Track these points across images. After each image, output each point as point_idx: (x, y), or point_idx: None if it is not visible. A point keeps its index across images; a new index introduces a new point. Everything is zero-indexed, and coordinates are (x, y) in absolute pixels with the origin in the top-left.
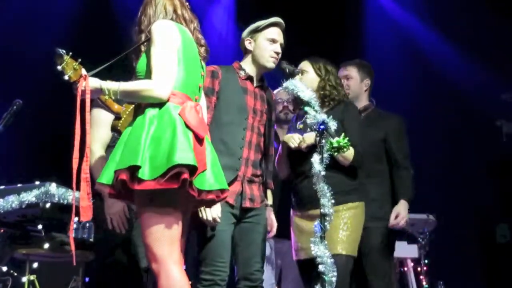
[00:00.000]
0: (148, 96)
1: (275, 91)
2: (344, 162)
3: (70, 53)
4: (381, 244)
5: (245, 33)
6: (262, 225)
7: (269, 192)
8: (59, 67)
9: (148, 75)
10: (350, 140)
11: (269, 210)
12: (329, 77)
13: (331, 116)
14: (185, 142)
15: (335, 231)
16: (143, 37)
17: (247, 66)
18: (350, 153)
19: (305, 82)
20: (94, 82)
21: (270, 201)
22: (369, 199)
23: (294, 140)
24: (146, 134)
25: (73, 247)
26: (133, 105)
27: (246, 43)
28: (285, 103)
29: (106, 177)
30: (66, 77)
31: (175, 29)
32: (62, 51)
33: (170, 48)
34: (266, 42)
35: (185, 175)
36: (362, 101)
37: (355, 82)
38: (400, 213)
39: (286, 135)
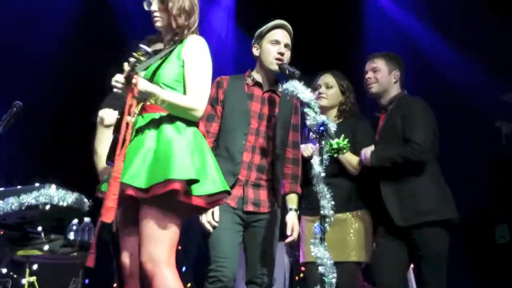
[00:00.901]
0: (189, 114)
1: None
2: (352, 171)
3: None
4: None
5: (253, 41)
6: (271, 230)
7: (294, 196)
8: (132, 62)
9: (176, 84)
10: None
11: (291, 214)
12: (350, 94)
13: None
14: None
15: (345, 237)
16: (175, 37)
17: (256, 72)
18: (355, 160)
19: (329, 96)
20: (144, 85)
21: (294, 204)
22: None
23: (307, 149)
24: (191, 151)
25: (93, 249)
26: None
27: (254, 50)
28: None
29: (140, 181)
30: (131, 74)
31: None
32: (143, 49)
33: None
34: (269, 45)
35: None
36: (392, 94)
37: (384, 74)
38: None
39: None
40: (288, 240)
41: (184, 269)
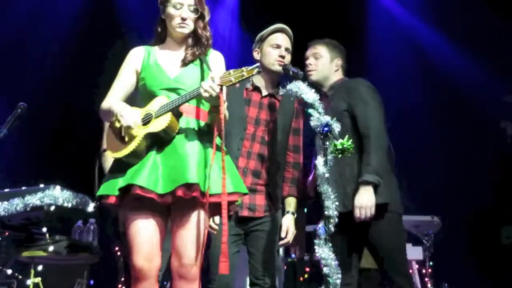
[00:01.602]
0: (220, 125)
1: None
2: None
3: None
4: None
5: (254, 45)
6: (271, 233)
7: (292, 199)
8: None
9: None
10: None
11: (287, 217)
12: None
13: (335, 119)
14: None
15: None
16: (200, 47)
17: (257, 76)
18: None
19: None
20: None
21: (292, 208)
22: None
23: None
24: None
25: None
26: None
27: (255, 54)
28: None
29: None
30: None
31: None
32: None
33: None
34: (270, 48)
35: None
36: (333, 81)
37: (325, 61)
38: (356, 204)
39: None
40: (282, 242)
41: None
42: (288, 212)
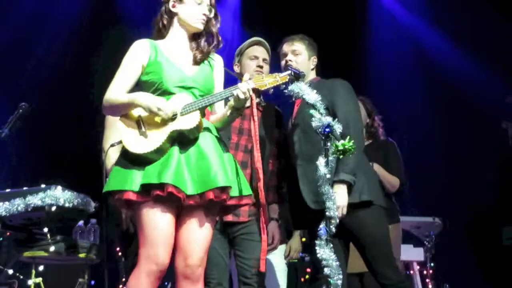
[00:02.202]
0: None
1: None
2: (391, 189)
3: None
4: None
5: (234, 60)
6: (256, 234)
7: (276, 206)
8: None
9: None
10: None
11: (272, 224)
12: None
13: (336, 120)
14: None
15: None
16: (211, 44)
17: None
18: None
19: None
20: None
21: (276, 214)
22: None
23: None
24: None
25: None
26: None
27: (235, 68)
28: None
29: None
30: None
31: None
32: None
33: None
34: (249, 60)
35: None
36: (309, 79)
37: (304, 58)
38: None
39: None
40: (270, 248)
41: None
42: (272, 219)
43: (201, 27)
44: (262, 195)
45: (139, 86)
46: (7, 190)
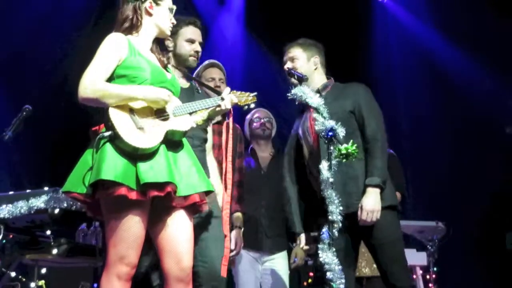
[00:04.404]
0: None
1: (254, 110)
2: None
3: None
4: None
5: None
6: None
7: (239, 215)
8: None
9: None
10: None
11: (235, 231)
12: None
13: (339, 123)
14: None
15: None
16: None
17: None
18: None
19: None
20: None
21: (238, 222)
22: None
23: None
24: None
25: None
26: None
27: None
28: (263, 120)
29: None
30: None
31: None
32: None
33: None
34: (207, 83)
35: None
36: (316, 83)
37: (302, 62)
38: (364, 207)
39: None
40: (231, 254)
41: None
42: (236, 226)
43: (169, 33)
44: (228, 204)
45: (110, 77)
46: (11, 193)
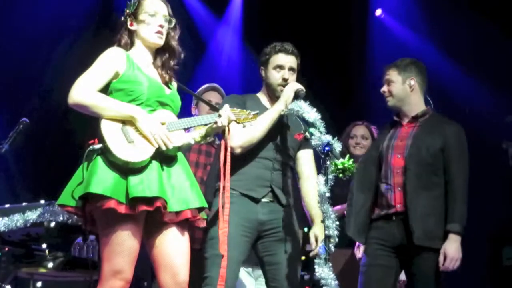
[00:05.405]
0: None
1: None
2: None
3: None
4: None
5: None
6: None
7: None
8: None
9: None
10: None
11: None
12: None
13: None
14: None
15: None
16: (173, 61)
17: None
18: None
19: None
20: None
21: None
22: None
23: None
24: None
25: None
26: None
27: (193, 110)
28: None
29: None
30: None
31: None
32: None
33: None
34: (204, 105)
35: None
36: (413, 105)
37: (397, 85)
38: (448, 253)
39: None
40: None
41: None
42: None
43: (160, 42)
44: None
45: (106, 91)
46: (6, 206)
